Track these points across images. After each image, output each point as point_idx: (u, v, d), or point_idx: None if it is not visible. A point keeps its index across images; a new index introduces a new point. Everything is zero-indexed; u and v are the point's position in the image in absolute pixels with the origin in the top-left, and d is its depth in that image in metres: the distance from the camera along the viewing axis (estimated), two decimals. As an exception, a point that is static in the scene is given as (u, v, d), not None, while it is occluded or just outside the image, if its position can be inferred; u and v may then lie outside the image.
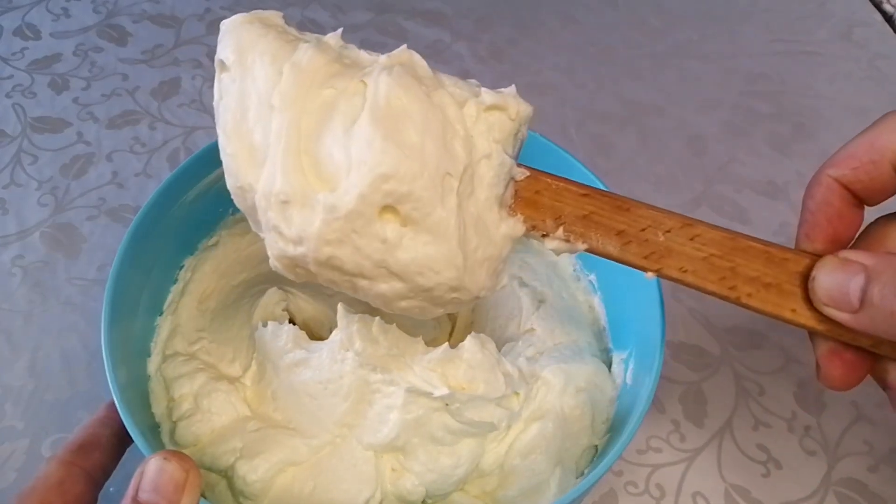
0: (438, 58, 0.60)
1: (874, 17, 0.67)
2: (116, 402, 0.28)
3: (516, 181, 0.25)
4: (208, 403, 0.33)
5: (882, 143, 0.24)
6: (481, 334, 0.32)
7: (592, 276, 0.39)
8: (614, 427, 0.34)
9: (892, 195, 0.25)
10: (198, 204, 0.37)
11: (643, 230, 0.25)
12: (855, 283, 0.22)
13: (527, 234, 0.26)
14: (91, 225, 0.47)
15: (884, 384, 0.26)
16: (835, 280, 0.23)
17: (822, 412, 0.41)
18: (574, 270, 0.40)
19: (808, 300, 0.24)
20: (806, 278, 0.24)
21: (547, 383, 0.33)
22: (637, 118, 0.57)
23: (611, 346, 0.37)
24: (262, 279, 0.38)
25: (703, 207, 0.51)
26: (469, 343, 0.32)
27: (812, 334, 0.25)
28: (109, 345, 0.30)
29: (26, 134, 0.52)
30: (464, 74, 0.63)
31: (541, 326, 0.37)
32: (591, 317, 0.39)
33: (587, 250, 0.25)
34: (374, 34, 0.61)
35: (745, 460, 0.40)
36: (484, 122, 0.24)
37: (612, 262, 0.26)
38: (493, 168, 0.24)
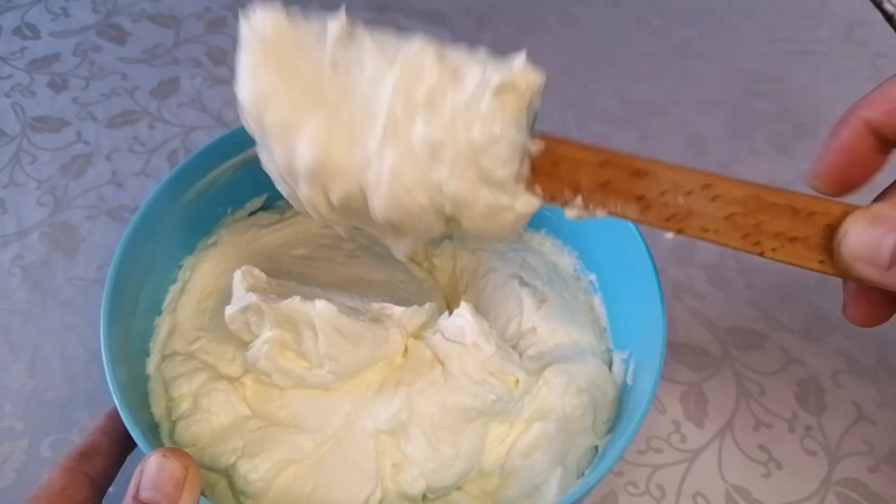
0: (438, 57, 0.60)
1: (875, 17, 0.67)
2: (116, 402, 0.28)
3: (532, 156, 0.25)
4: (207, 403, 0.32)
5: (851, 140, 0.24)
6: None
7: (593, 276, 0.39)
8: (615, 427, 0.34)
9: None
10: (197, 203, 0.37)
11: (663, 194, 0.25)
12: (887, 242, 0.21)
13: (546, 203, 0.25)
14: (90, 224, 0.47)
15: None
16: (866, 238, 0.22)
17: (823, 412, 0.41)
18: (574, 270, 0.40)
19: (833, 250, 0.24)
20: (833, 230, 0.23)
21: (549, 383, 0.33)
22: (638, 117, 0.57)
23: (611, 346, 0.37)
24: None
25: (704, 207, 0.51)
26: (463, 308, 0.33)
27: None
28: (109, 345, 0.30)
29: (25, 133, 0.52)
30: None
31: (542, 326, 0.37)
32: (592, 317, 0.39)
33: (608, 215, 0.25)
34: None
35: (745, 461, 0.39)
36: (494, 103, 0.23)
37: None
38: (506, 147, 0.23)
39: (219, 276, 0.38)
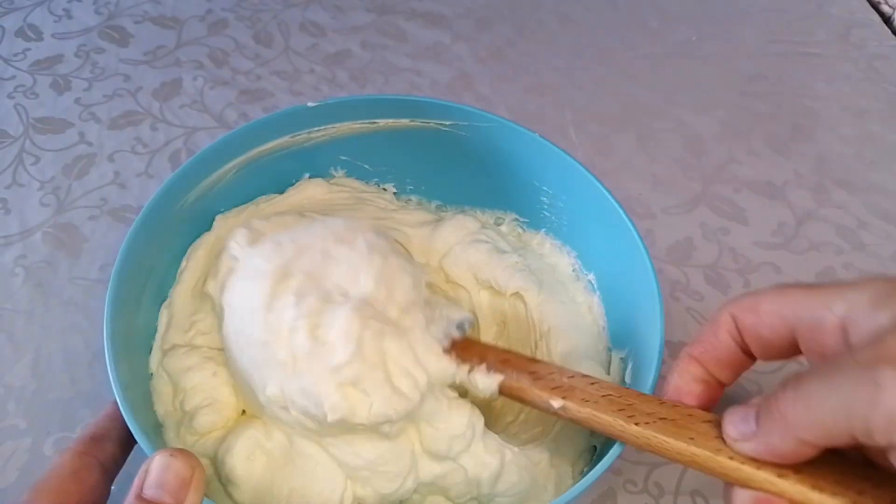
0: (438, 59, 0.60)
1: (872, 18, 0.67)
2: (119, 401, 0.28)
3: (455, 339, 0.32)
4: (219, 393, 0.33)
5: (722, 331, 0.28)
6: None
7: (591, 276, 0.39)
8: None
9: (741, 372, 0.29)
10: (199, 204, 0.37)
11: (551, 374, 0.30)
12: (752, 410, 0.24)
13: (457, 368, 0.31)
14: (93, 225, 0.48)
15: None
16: (737, 413, 0.25)
17: None
18: (573, 270, 0.40)
19: (703, 433, 0.26)
20: (697, 418, 0.26)
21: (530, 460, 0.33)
22: (636, 119, 0.57)
23: (610, 345, 0.37)
24: None
25: (701, 207, 0.51)
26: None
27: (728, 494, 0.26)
28: (111, 344, 0.30)
29: (28, 134, 0.52)
30: (464, 75, 0.63)
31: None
32: (591, 317, 0.39)
33: (502, 383, 0.31)
34: (375, 35, 0.62)
35: (743, 459, 0.40)
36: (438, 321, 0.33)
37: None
38: (441, 328, 0.32)
39: (215, 259, 0.38)
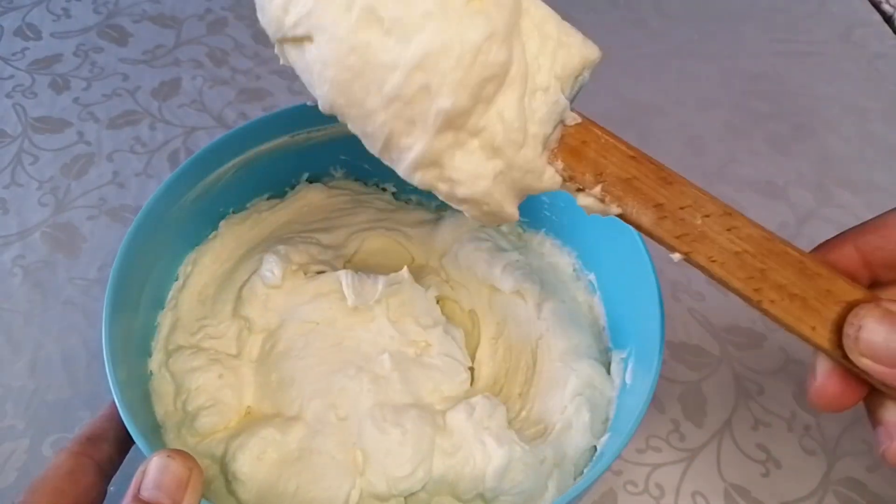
0: (438, 58, 0.60)
1: (873, 18, 0.67)
2: (117, 401, 0.28)
3: (565, 125, 0.24)
4: (223, 395, 0.33)
5: None
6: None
7: (592, 276, 0.39)
8: (613, 427, 0.34)
9: None
10: (198, 204, 0.37)
11: (682, 208, 0.24)
12: None
13: (562, 186, 0.24)
14: (92, 225, 0.47)
15: (875, 418, 0.25)
16: (880, 333, 0.22)
17: (822, 412, 0.42)
18: (574, 270, 0.40)
19: (831, 321, 0.23)
20: (834, 298, 0.23)
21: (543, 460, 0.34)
22: (637, 118, 0.57)
23: (610, 345, 0.37)
24: (260, 251, 0.39)
25: (703, 207, 0.51)
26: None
27: (818, 351, 0.24)
28: (110, 344, 0.30)
29: (27, 134, 0.52)
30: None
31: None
32: (591, 317, 0.39)
33: (620, 215, 0.24)
34: (374, 34, 0.62)
35: (744, 460, 0.40)
36: (549, 55, 0.23)
37: (643, 234, 0.24)
38: (546, 104, 0.22)
39: (220, 265, 0.38)
